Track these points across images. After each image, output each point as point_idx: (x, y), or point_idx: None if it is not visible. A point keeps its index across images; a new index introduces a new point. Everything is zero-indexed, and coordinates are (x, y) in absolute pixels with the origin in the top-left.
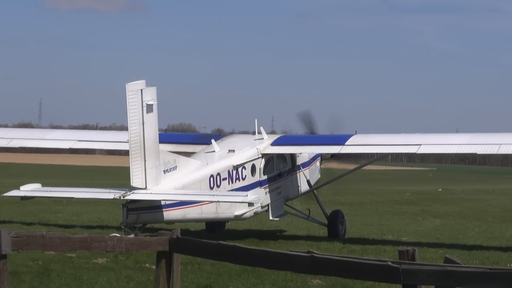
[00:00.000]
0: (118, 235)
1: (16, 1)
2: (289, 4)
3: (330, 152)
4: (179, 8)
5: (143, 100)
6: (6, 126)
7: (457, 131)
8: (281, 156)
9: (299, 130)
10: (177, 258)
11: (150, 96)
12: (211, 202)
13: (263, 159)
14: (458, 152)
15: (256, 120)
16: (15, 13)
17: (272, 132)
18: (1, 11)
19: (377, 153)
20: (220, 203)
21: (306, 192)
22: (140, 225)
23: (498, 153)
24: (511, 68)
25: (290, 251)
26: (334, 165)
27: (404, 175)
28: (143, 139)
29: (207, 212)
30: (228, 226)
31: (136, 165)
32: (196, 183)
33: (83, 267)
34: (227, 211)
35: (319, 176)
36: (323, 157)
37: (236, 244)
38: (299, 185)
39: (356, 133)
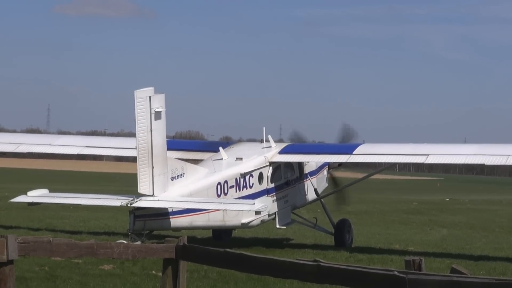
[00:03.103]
0: (124, 241)
1: (24, 7)
2: (297, 13)
3: (338, 161)
4: (187, 15)
5: (152, 107)
6: (14, 131)
7: (465, 141)
8: (289, 164)
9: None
10: (184, 265)
11: (159, 103)
12: (218, 210)
13: (271, 167)
14: (466, 162)
15: (264, 128)
16: (23, 19)
17: (280, 140)
18: (9, 17)
19: (385, 163)
20: (227, 211)
21: (314, 201)
22: (147, 232)
23: (506, 164)
24: None
25: (297, 259)
26: (341, 174)
27: (412, 184)
28: (151, 146)
29: (214, 219)
30: (234, 234)
31: (144, 172)
32: (204, 190)
33: (89, 273)
34: (234, 219)
35: (327, 184)
36: (331, 166)
37: (243, 252)
38: (307, 193)
39: (364, 142)
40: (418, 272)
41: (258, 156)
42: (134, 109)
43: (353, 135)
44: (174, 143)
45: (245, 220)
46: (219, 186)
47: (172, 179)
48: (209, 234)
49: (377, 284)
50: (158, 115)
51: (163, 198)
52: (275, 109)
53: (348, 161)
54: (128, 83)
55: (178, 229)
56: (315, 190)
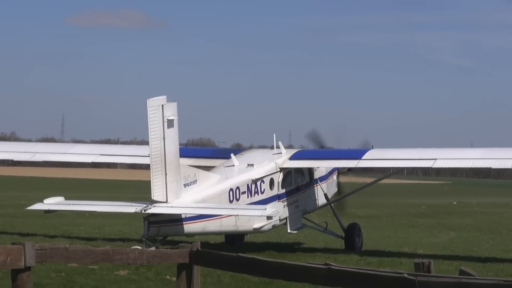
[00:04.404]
0: (139, 247)
1: (37, 19)
2: (306, 22)
3: (347, 166)
4: (198, 25)
5: (164, 115)
6: (29, 140)
7: (471, 145)
8: (299, 170)
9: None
10: (197, 270)
11: (171, 111)
12: (231, 215)
13: (281, 173)
14: (473, 166)
15: (274, 135)
16: (37, 31)
17: (290, 147)
18: (23, 28)
19: (393, 167)
20: (239, 216)
21: (324, 206)
22: (161, 238)
23: None
24: None
25: (308, 263)
26: (351, 179)
27: (420, 188)
28: (164, 153)
29: (226, 225)
30: (247, 239)
31: (157, 179)
32: (216, 196)
33: (105, 279)
34: (246, 224)
35: (336, 189)
36: (340, 171)
37: (255, 256)
38: (317, 198)
39: (372, 148)
40: (427, 274)
41: (269, 162)
42: (147, 117)
43: (346, 136)
44: (186, 151)
45: (257, 225)
46: (231, 192)
47: (185, 185)
48: (222, 239)
49: (388, 286)
50: (170, 123)
51: (176, 204)
52: (285, 116)
53: (357, 166)
54: (140, 92)
55: (191, 234)
56: (325, 195)
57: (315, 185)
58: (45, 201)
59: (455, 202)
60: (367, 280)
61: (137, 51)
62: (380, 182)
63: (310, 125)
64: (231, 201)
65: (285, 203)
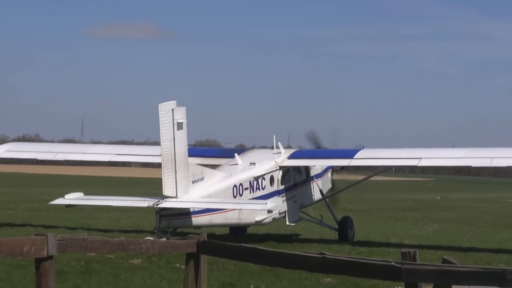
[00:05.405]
0: (151, 238)
1: (59, 30)
2: (303, 33)
3: (340, 164)
4: (203, 36)
5: (174, 118)
6: (52, 141)
7: (453, 146)
8: (297, 168)
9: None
10: (204, 259)
11: (180, 115)
12: (234, 209)
13: (281, 171)
14: (454, 165)
15: (274, 136)
16: (59, 41)
17: (289, 147)
18: (46, 39)
19: (382, 166)
20: (242, 210)
21: (319, 200)
22: (171, 229)
23: (490, 166)
24: (502, 89)
25: (305, 252)
26: (344, 176)
27: (407, 185)
28: (174, 153)
29: (230, 218)
30: (249, 230)
31: (168, 176)
32: (221, 192)
33: (120, 267)
34: (248, 217)
35: (330, 186)
36: (334, 169)
37: (257, 246)
38: (313, 194)
39: (363, 148)
40: (413, 262)
41: (269, 161)
42: (159, 120)
43: (340, 137)
44: (194, 150)
45: (258, 218)
46: (235, 188)
47: (193, 182)
48: (227, 231)
49: (377, 274)
50: (180, 125)
51: (185, 199)
52: (284, 119)
53: (350, 164)
54: (152, 97)
55: (198, 227)
56: (321, 190)
57: (311, 182)
58: (66, 196)
59: (438, 198)
60: (358, 268)
61: (149, 60)
62: (370, 179)
63: (307, 128)
64: (235, 197)
65: (284, 198)
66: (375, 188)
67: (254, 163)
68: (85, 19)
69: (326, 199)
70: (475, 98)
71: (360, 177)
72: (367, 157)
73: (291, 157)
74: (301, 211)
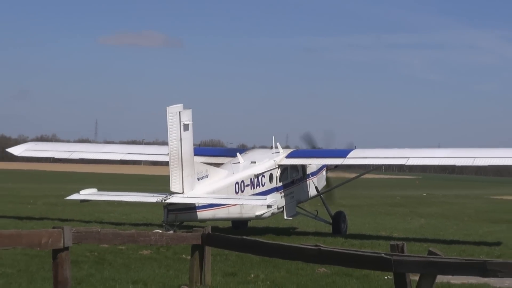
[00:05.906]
0: (160, 231)
1: (75, 38)
2: (299, 41)
3: (334, 163)
4: (208, 44)
5: (181, 120)
6: (68, 141)
7: (439, 146)
8: (294, 166)
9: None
10: (208, 250)
11: (187, 117)
12: (236, 204)
13: (279, 169)
14: (440, 164)
15: (273, 137)
16: (74, 48)
17: (287, 147)
18: (63, 46)
19: (373, 164)
20: (243, 205)
21: (315, 197)
22: (178, 223)
23: (473, 164)
24: (484, 94)
25: (301, 244)
26: (337, 174)
27: (395, 182)
28: (180, 152)
29: (233, 212)
30: (250, 224)
31: (175, 174)
32: (224, 189)
33: (131, 257)
34: (249, 212)
35: (325, 183)
36: (329, 168)
37: (257, 239)
38: (309, 190)
39: (355, 148)
40: (401, 254)
41: (269, 160)
42: (167, 122)
43: (333, 138)
44: (199, 150)
45: (258, 212)
46: (237, 185)
47: (198, 179)
48: (229, 224)
49: (368, 264)
50: (186, 127)
51: (191, 195)
52: (283, 121)
53: (343, 163)
54: (161, 100)
55: (203, 220)
56: (316, 187)
57: (307, 179)
58: (81, 192)
59: (424, 194)
60: (350, 259)
61: (158, 66)
62: (361, 177)
63: (304, 129)
64: (237, 193)
65: (282, 194)
66: (366, 185)
67: (255, 162)
68: (99, 28)
69: (321, 195)
70: (458, 102)
71: (353, 175)
72: (358, 157)
73: (289, 156)
74: (298, 206)
